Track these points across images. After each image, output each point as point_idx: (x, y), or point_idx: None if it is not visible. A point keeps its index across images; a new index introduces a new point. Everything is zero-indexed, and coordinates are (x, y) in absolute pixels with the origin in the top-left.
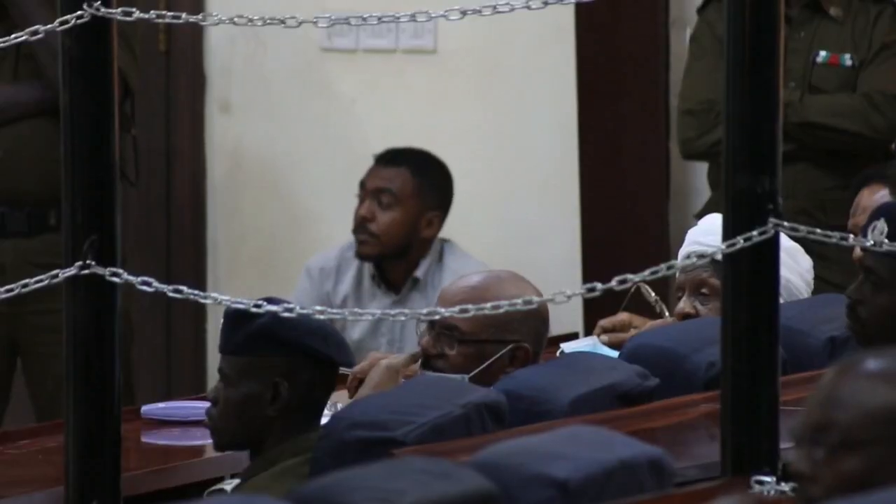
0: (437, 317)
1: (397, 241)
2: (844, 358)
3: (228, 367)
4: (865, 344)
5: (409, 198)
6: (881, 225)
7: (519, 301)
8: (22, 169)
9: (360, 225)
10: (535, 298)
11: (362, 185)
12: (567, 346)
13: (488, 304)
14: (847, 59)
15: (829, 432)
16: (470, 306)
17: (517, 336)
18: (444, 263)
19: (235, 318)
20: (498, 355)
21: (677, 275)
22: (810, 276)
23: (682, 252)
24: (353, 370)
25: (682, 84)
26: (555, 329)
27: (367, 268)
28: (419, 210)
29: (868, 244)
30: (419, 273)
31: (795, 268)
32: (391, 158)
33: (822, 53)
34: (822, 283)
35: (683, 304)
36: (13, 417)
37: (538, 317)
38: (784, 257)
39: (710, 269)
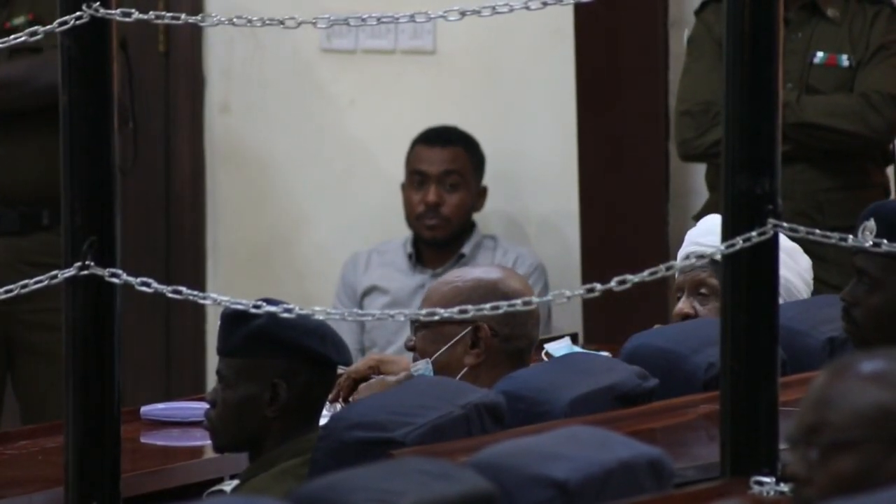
0: (436, 317)
1: (465, 218)
2: (836, 360)
3: (226, 368)
4: (861, 345)
5: (469, 175)
6: (871, 224)
7: (518, 301)
8: (16, 168)
9: (430, 210)
10: (535, 299)
11: (419, 171)
12: (550, 347)
13: (487, 305)
14: (844, 60)
15: (821, 433)
16: (469, 307)
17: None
18: (498, 244)
19: (233, 320)
20: (460, 336)
21: (676, 276)
22: (809, 275)
23: (682, 253)
24: (348, 369)
25: (680, 85)
26: (554, 329)
27: (405, 248)
28: (476, 184)
29: (867, 245)
30: (465, 250)
31: (795, 267)
32: (445, 139)
33: (820, 54)
34: (820, 284)
35: (682, 305)
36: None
37: (500, 296)
38: (783, 257)
39: (709, 268)
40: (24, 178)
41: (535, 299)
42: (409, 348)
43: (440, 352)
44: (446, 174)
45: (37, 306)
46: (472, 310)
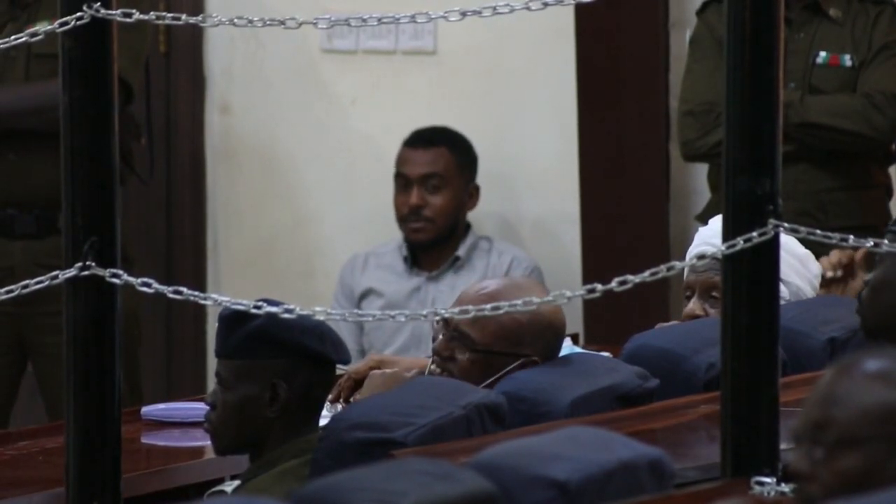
0: (437, 318)
1: (450, 220)
2: (843, 357)
3: (225, 370)
4: (863, 322)
5: (454, 175)
6: None
7: (519, 302)
8: (32, 171)
9: (413, 213)
10: (535, 300)
11: (402, 174)
12: None
13: (488, 306)
14: (847, 60)
15: (827, 430)
16: (470, 307)
17: (528, 351)
18: (493, 246)
19: (230, 322)
20: (508, 369)
21: (685, 274)
22: (818, 281)
23: (691, 252)
24: (349, 369)
25: (682, 85)
26: None
27: (401, 251)
28: (464, 184)
29: (868, 245)
30: (460, 252)
31: (806, 274)
32: (427, 140)
33: (822, 54)
34: None
35: (693, 306)
36: (29, 417)
37: (553, 331)
38: (796, 264)
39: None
40: (40, 182)
41: (535, 300)
42: (437, 353)
43: (487, 382)
44: (428, 177)
45: (53, 309)
46: (472, 310)
